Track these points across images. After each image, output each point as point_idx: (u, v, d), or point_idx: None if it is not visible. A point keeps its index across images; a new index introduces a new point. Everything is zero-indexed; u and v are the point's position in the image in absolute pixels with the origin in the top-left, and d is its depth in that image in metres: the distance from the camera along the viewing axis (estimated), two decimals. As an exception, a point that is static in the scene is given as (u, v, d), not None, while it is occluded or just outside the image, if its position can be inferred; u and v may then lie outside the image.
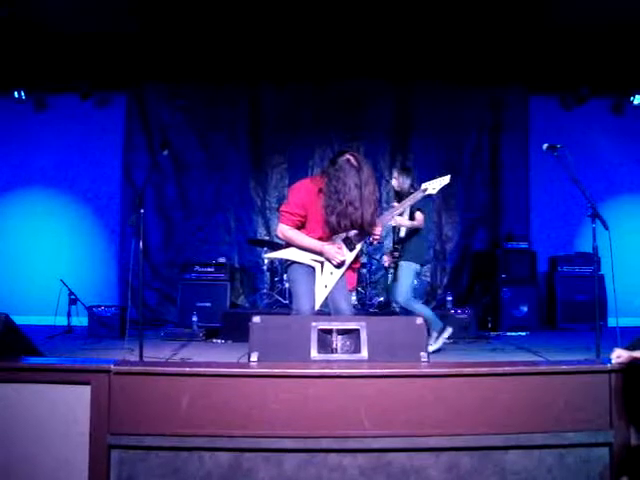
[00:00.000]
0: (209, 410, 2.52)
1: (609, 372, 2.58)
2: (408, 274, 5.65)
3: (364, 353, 2.72)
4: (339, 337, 2.79)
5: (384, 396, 2.52)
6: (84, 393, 2.55)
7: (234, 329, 6.78)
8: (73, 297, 7.86)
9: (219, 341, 6.94)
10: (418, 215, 5.64)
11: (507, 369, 2.58)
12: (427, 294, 8.65)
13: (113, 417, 2.52)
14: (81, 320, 7.77)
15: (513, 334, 7.75)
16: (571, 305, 8.29)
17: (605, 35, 7.79)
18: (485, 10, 7.37)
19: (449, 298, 7.79)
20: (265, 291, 7.83)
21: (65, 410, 2.56)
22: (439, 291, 8.80)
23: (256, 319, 2.81)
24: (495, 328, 7.92)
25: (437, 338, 5.79)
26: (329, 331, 2.79)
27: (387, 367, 2.58)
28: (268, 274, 7.89)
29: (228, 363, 3.02)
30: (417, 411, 2.52)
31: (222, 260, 8.36)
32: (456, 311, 7.25)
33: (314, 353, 2.71)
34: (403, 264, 5.66)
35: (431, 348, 5.61)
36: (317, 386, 2.51)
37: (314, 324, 2.78)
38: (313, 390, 2.51)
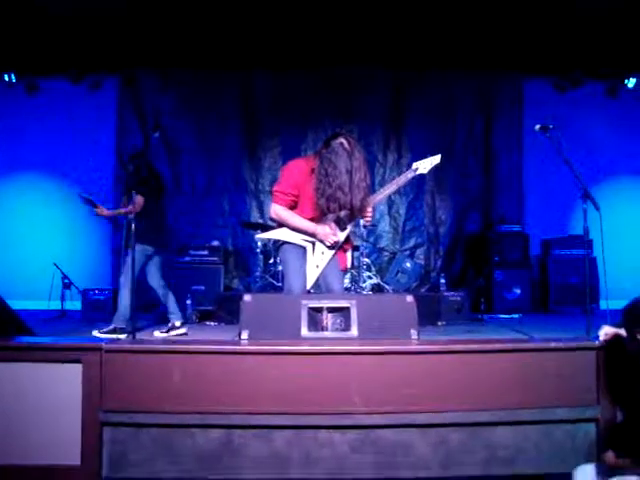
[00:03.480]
0: (200, 387, 2.53)
1: (596, 349, 2.61)
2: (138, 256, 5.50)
3: (354, 331, 2.74)
4: (329, 315, 2.80)
5: (374, 373, 2.54)
6: (76, 371, 2.56)
7: (228, 312, 6.80)
8: (67, 281, 7.87)
9: (213, 323, 6.96)
10: (138, 199, 5.58)
11: (496, 346, 2.61)
12: (421, 277, 8.67)
13: (105, 394, 2.53)
14: (75, 304, 7.81)
15: (506, 316, 7.80)
16: (563, 288, 8.34)
17: (599, 18, 7.74)
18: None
19: (442, 281, 7.84)
20: (258, 274, 7.84)
21: (57, 388, 2.57)
22: (432, 274, 8.83)
23: (247, 297, 2.83)
24: (488, 310, 7.95)
25: (171, 329, 5.87)
26: (319, 309, 2.81)
27: (377, 344, 2.60)
28: (261, 257, 7.90)
29: (219, 340, 3.04)
30: (406, 388, 2.54)
31: (216, 243, 8.36)
32: (449, 294, 7.27)
33: (304, 331, 2.73)
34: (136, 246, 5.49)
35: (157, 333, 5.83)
36: (307, 363, 2.53)
37: (304, 302, 2.79)
38: (303, 367, 2.53)
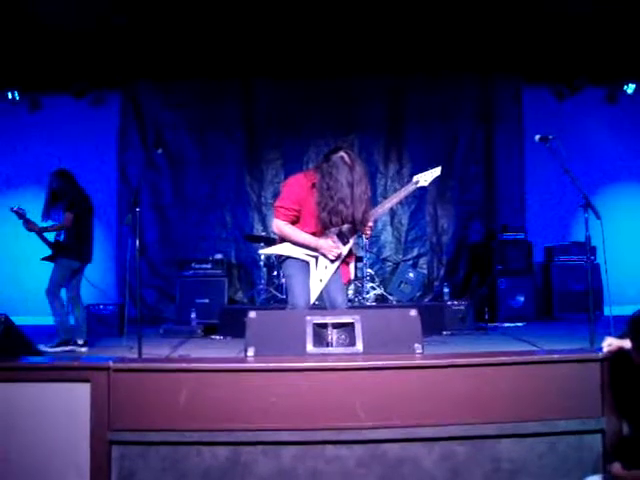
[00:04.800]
0: (207, 405, 2.56)
1: (600, 361, 2.63)
2: (65, 270, 5.88)
3: (359, 346, 2.76)
4: (334, 331, 2.82)
5: (379, 388, 2.56)
6: (84, 390, 2.58)
7: (232, 325, 6.80)
8: (71, 296, 7.88)
9: (218, 337, 6.97)
10: (68, 215, 5.84)
11: (500, 359, 2.62)
12: (424, 286, 8.68)
13: (113, 413, 2.56)
14: (80, 318, 7.80)
15: (510, 325, 7.80)
16: (567, 295, 8.34)
17: (599, 25, 7.79)
18: (476, 2, 7.38)
19: (446, 290, 7.85)
20: (262, 286, 7.86)
21: (66, 408, 2.59)
22: (436, 283, 8.84)
23: (252, 314, 2.85)
24: (492, 319, 7.95)
25: (58, 345, 5.85)
26: (324, 325, 2.83)
27: (381, 359, 2.62)
28: (265, 269, 7.92)
29: (225, 358, 3.06)
30: (411, 402, 2.56)
31: (219, 256, 8.39)
32: (453, 303, 7.28)
33: (310, 347, 2.75)
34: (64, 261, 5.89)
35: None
36: (313, 379, 2.55)
37: (309, 318, 2.81)
38: (309, 383, 2.55)
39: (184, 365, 2.58)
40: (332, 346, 2.80)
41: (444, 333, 6.97)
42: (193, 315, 7.24)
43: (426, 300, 8.60)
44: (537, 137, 4.76)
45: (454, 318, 7.16)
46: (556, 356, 2.66)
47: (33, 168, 9.17)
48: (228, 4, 7.33)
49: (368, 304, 7.54)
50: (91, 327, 7.41)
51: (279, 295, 7.48)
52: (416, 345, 2.78)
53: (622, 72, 8.87)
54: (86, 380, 2.57)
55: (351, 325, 2.81)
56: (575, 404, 2.62)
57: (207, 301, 7.86)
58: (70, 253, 5.93)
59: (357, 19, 7.68)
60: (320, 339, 2.80)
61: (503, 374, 2.59)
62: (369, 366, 2.55)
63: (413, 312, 2.85)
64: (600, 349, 2.72)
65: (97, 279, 8.86)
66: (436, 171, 4.09)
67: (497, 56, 8.55)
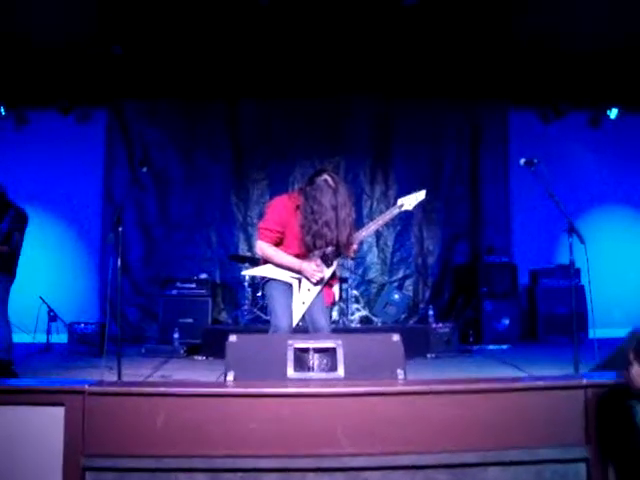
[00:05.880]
0: (185, 430, 2.49)
1: (584, 387, 2.59)
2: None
3: (340, 371, 2.71)
4: (316, 355, 2.78)
5: (360, 414, 2.51)
6: (58, 414, 2.51)
7: (215, 345, 6.73)
8: (52, 314, 7.79)
9: (200, 357, 6.90)
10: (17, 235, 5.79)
11: (483, 386, 2.58)
12: (409, 309, 8.65)
13: (87, 439, 2.48)
14: (61, 337, 7.70)
15: (495, 347, 7.79)
16: (552, 317, 8.36)
17: (582, 50, 7.90)
18: (463, 26, 7.46)
19: (431, 312, 7.81)
20: (246, 307, 7.80)
21: (38, 432, 2.52)
22: (421, 305, 8.82)
23: (232, 338, 2.80)
24: (477, 341, 7.95)
25: None
26: (306, 349, 2.78)
27: (363, 385, 2.57)
28: (249, 290, 7.87)
29: (204, 383, 3.00)
30: (394, 429, 2.51)
31: (203, 276, 8.33)
32: (438, 325, 7.26)
33: (290, 372, 2.70)
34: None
35: None
36: (293, 405, 2.50)
37: (290, 342, 2.77)
38: (289, 409, 2.49)
39: (161, 389, 2.52)
40: (313, 371, 2.75)
41: (429, 356, 6.94)
42: (176, 335, 7.16)
43: (411, 322, 8.58)
44: (522, 161, 4.78)
45: (439, 341, 7.14)
46: (540, 382, 2.62)
47: (19, 183, 9.07)
48: (215, 25, 7.36)
49: (353, 326, 7.50)
50: (72, 346, 7.35)
51: (263, 316, 7.42)
52: (398, 370, 2.74)
53: (605, 97, 8.99)
54: (60, 404, 2.50)
55: (333, 350, 2.76)
56: (560, 432, 2.58)
57: (191, 321, 7.79)
58: (3, 269, 5.78)
59: (345, 41, 7.75)
60: (301, 364, 2.75)
61: (486, 401, 2.55)
62: (351, 392, 2.50)
63: (396, 337, 2.81)
64: (585, 375, 2.69)
65: (80, 297, 8.83)
66: (421, 195, 4.08)
67: (484, 80, 8.64)
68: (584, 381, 2.60)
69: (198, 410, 2.50)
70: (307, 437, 2.50)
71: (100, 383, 2.61)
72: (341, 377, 2.71)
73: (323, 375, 2.73)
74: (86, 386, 2.51)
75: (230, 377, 2.70)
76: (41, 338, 7.76)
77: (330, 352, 2.78)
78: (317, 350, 2.79)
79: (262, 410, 2.49)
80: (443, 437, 2.54)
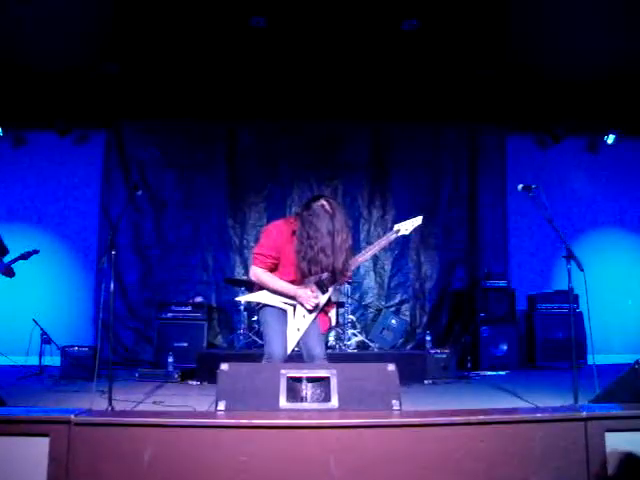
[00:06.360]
0: (174, 463, 2.41)
1: (585, 420, 2.53)
2: None
3: (334, 402, 2.64)
4: (309, 385, 2.71)
5: (354, 447, 2.43)
6: (42, 445, 2.43)
7: (210, 370, 6.62)
8: (46, 337, 7.70)
9: (195, 382, 6.80)
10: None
11: (480, 418, 2.51)
12: (406, 334, 8.57)
13: (73, 471, 2.40)
14: (55, 360, 7.60)
15: (492, 373, 7.71)
16: (550, 343, 8.29)
17: (579, 76, 7.93)
18: (461, 52, 7.48)
19: (428, 338, 7.74)
20: (242, 331, 7.72)
21: (21, 464, 2.43)
22: (418, 330, 8.74)
23: (224, 366, 2.74)
24: (475, 367, 7.87)
25: None
26: (299, 379, 2.72)
27: (357, 417, 2.50)
28: (245, 314, 7.79)
29: (194, 413, 2.92)
30: (388, 463, 2.43)
31: (199, 299, 8.27)
32: (435, 351, 7.19)
33: (283, 402, 2.63)
34: None
35: None
36: (286, 437, 2.43)
37: (283, 372, 2.70)
38: (281, 441, 2.42)
39: (150, 420, 2.45)
40: (307, 401, 2.68)
41: (426, 382, 6.87)
42: (170, 359, 7.07)
43: (408, 347, 8.50)
44: (520, 186, 4.75)
45: (436, 366, 7.08)
46: (539, 415, 2.55)
47: (16, 203, 9.06)
48: (214, 48, 7.39)
49: (349, 351, 7.41)
50: (65, 370, 7.24)
51: (259, 341, 7.33)
52: (394, 401, 2.67)
53: (602, 123, 9.02)
54: (45, 434, 2.43)
55: (327, 380, 2.69)
56: (561, 465, 2.50)
57: (186, 345, 7.72)
58: None
59: (344, 66, 7.77)
60: (294, 394, 2.68)
61: (484, 433, 2.48)
62: (343, 424, 2.43)
63: (391, 367, 2.74)
64: (584, 407, 2.62)
65: (74, 320, 8.73)
66: (417, 220, 4.04)
67: (481, 105, 8.65)
68: (584, 413, 2.53)
69: (187, 442, 2.43)
70: (299, 470, 2.42)
71: (87, 412, 2.54)
72: (335, 407, 2.64)
73: (316, 405, 2.66)
74: (72, 416, 2.43)
75: (221, 406, 2.64)
76: (34, 361, 7.66)
77: (324, 382, 2.71)
78: (310, 379, 2.72)
79: (253, 442, 2.42)
80: (439, 471, 2.47)
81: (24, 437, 2.45)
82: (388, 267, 8.89)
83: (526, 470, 2.50)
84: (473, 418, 2.52)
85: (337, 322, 7.61)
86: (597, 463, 2.51)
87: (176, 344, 7.67)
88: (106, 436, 2.45)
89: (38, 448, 2.45)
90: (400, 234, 4.04)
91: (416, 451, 2.46)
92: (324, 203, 3.77)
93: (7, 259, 6.34)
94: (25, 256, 6.63)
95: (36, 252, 6.77)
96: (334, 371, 2.72)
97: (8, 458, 2.46)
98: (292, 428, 2.43)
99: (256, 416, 2.49)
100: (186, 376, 6.99)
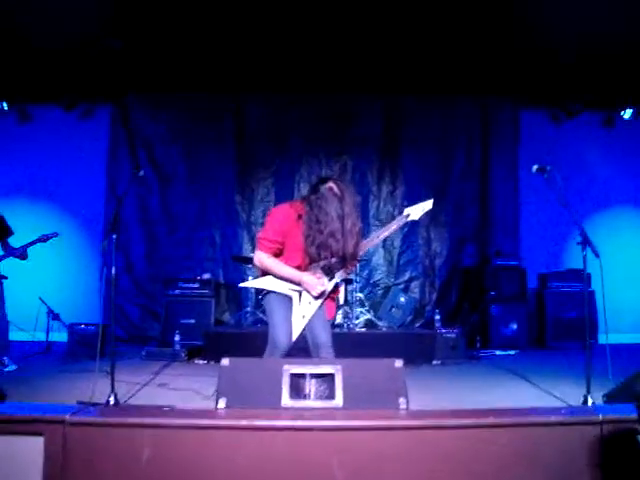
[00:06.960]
0: (171, 464, 2.34)
1: (600, 423, 2.42)
2: None
3: (339, 399, 2.55)
4: (313, 381, 2.61)
5: (359, 448, 2.35)
6: (37, 445, 2.36)
7: (216, 349, 6.59)
8: (52, 315, 7.66)
9: (201, 362, 6.74)
10: None
11: (491, 420, 2.41)
12: (415, 311, 8.47)
13: (67, 471, 2.34)
14: (63, 335, 7.56)
15: (502, 353, 7.61)
16: (561, 322, 8.18)
17: (597, 51, 7.68)
18: (475, 24, 7.24)
19: (437, 317, 7.60)
20: (249, 309, 7.65)
21: (16, 463, 2.37)
22: (427, 308, 8.63)
23: (225, 362, 2.64)
24: (484, 346, 7.76)
25: None
26: (302, 375, 2.62)
27: (362, 416, 2.41)
28: (253, 291, 7.71)
29: (193, 411, 2.84)
30: (394, 465, 2.35)
31: (207, 276, 8.19)
32: (444, 331, 7.08)
33: (285, 400, 2.54)
34: None
35: None
36: (287, 438, 2.34)
37: (286, 368, 2.61)
38: (282, 442, 2.34)
39: (148, 420, 2.37)
40: (310, 398, 2.59)
41: (434, 362, 6.78)
42: (177, 337, 7.00)
43: (417, 325, 8.40)
44: (534, 168, 4.57)
45: (445, 346, 6.98)
46: (553, 418, 2.45)
47: (22, 179, 8.98)
48: (221, 19, 7.18)
49: (357, 330, 7.33)
50: (72, 347, 7.21)
51: (266, 319, 7.26)
52: (400, 400, 2.57)
53: (619, 97, 8.78)
54: (39, 434, 2.35)
55: (331, 376, 2.60)
56: (573, 469, 2.41)
57: (193, 321, 7.68)
58: None
59: (354, 38, 7.54)
60: (297, 390, 2.59)
61: (495, 435, 2.39)
62: (349, 426, 2.34)
63: (398, 363, 2.64)
64: (599, 409, 2.52)
65: (81, 297, 8.67)
66: (428, 204, 3.90)
67: (494, 79, 8.41)
68: (600, 417, 2.43)
69: (185, 443, 2.35)
70: (301, 472, 2.34)
71: (82, 411, 2.46)
72: (339, 406, 2.54)
73: (320, 403, 2.57)
74: (66, 416, 2.36)
75: (221, 404, 2.55)
76: (42, 336, 7.63)
77: (328, 378, 2.62)
78: (314, 376, 2.62)
79: (253, 443, 2.35)
80: (447, 473, 2.38)
81: (19, 436, 2.39)
82: (397, 244, 8.75)
83: (536, 474, 2.41)
84: (484, 420, 2.42)
85: (345, 300, 7.52)
86: (613, 467, 2.42)
87: (183, 321, 7.64)
88: (102, 436, 2.38)
89: (33, 447, 2.38)
90: (410, 219, 3.91)
91: (422, 454, 2.37)
92: (332, 186, 3.65)
93: (12, 242, 6.26)
94: (43, 239, 6.42)
95: (55, 235, 6.51)
96: (339, 367, 2.63)
97: (3, 457, 2.40)
98: (294, 430, 2.35)
99: (256, 417, 2.40)
100: (193, 354, 6.93)
